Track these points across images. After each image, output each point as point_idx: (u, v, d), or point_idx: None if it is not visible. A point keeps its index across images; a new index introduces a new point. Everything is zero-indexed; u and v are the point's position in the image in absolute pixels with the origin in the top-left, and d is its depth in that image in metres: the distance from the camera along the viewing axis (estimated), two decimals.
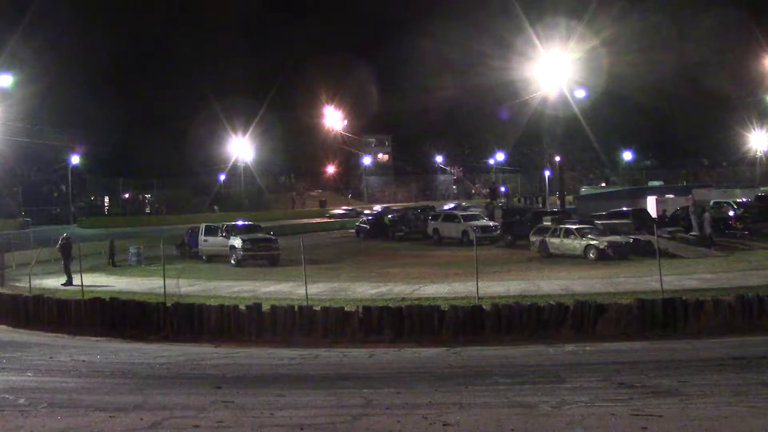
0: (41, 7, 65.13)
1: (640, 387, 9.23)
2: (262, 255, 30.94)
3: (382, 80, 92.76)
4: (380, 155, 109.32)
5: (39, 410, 8.22)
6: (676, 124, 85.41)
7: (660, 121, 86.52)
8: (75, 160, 73.65)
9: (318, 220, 67.36)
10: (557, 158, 57.38)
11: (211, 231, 33.48)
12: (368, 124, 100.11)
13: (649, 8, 66.46)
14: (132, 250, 33.56)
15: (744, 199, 41.59)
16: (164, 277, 21.00)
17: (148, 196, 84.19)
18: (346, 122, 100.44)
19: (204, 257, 33.03)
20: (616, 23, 52.07)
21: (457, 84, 76.69)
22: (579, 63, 46.10)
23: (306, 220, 65.50)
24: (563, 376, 10.61)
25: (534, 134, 72.07)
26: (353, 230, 49.05)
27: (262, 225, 37.29)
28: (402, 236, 42.63)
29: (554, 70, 45.22)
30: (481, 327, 16.04)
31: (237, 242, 30.97)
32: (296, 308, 17.19)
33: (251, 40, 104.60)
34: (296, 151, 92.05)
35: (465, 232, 36.93)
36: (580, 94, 49.49)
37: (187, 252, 34.74)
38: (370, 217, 49.45)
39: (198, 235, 34.04)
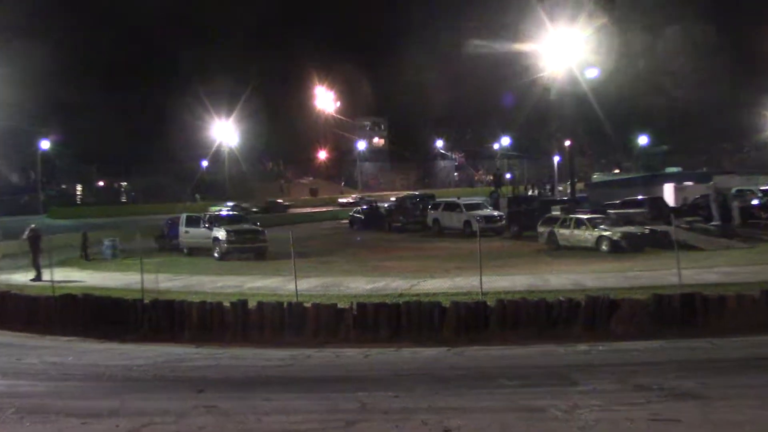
0: None
1: (657, 389, 9.23)
2: (248, 248, 30.92)
3: (377, 59, 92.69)
4: (375, 140, 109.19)
5: (6, 416, 8.18)
6: (696, 106, 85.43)
7: (678, 103, 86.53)
8: (45, 145, 73.41)
9: None
10: (567, 143, 57.39)
11: (192, 221, 33.41)
12: (362, 106, 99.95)
13: None
14: (107, 242, 33.47)
15: None
16: (142, 271, 20.93)
17: (124, 183, 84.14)
18: (338, 104, 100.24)
19: (185, 250, 33.00)
20: None
21: (459, 63, 76.51)
22: (590, 40, 45.96)
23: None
24: (574, 378, 10.60)
25: (542, 117, 72.04)
26: (346, 221, 49.09)
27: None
28: (399, 227, 42.64)
29: (563, 47, 45.08)
30: (485, 325, 16.02)
31: (221, 234, 30.94)
32: (285, 305, 17.15)
33: (236, 18, 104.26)
34: (285, 135, 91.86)
35: (467, 223, 36.95)
36: (592, 73, 49.39)
37: (166, 244, 34.69)
38: (364, 207, 49.47)
39: (178, 226, 33.97)
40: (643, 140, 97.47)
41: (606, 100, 60.79)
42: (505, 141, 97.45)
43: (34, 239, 27.07)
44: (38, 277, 25.38)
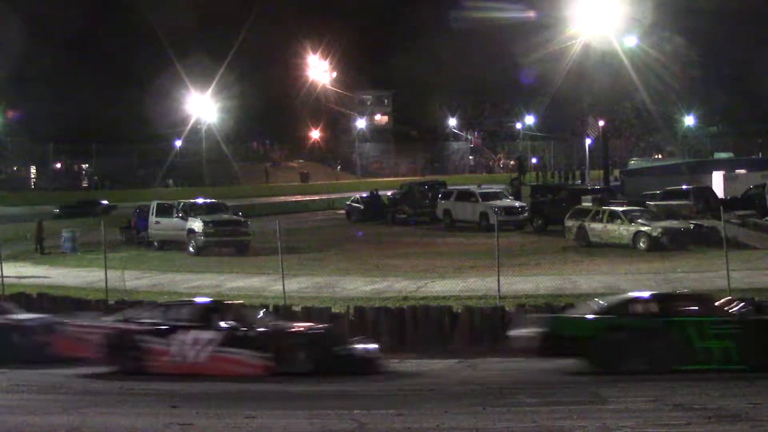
0: None
1: (700, 409, 9.29)
2: (228, 241, 30.99)
3: (380, 23, 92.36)
4: (378, 117, 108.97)
5: None
6: (753, 79, 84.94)
7: (732, 76, 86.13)
8: None
9: None
10: (601, 123, 57.36)
11: (164, 210, 33.46)
12: (363, 77, 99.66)
13: None
14: (65, 233, 33.55)
15: None
16: (106, 267, 21.01)
17: (85, 166, 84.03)
18: (334, 75, 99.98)
19: (155, 243, 33.07)
20: None
21: (475, 29, 76.26)
22: (630, 1, 45.89)
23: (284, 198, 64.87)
24: (604, 396, 10.66)
25: (572, 93, 71.84)
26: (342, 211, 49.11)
27: (229, 203, 37.29)
28: (405, 219, 42.70)
29: (598, 10, 45.01)
30: (503, 334, 16.08)
31: (197, 225, 30.99)
32: (271, 309, 17.23)
33: None
34: (271, 111, 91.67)
35: (484, 215, 36.96)
36: (631, 41, 49.35)
37: (133, 237, 34.77)
38: (364, 195, 49.50)
39: (148, 215, 34.04)
40: (689, 120, 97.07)
41: (647, 73, 60.77)
42: (529, 120, 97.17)
43: None
44: None
